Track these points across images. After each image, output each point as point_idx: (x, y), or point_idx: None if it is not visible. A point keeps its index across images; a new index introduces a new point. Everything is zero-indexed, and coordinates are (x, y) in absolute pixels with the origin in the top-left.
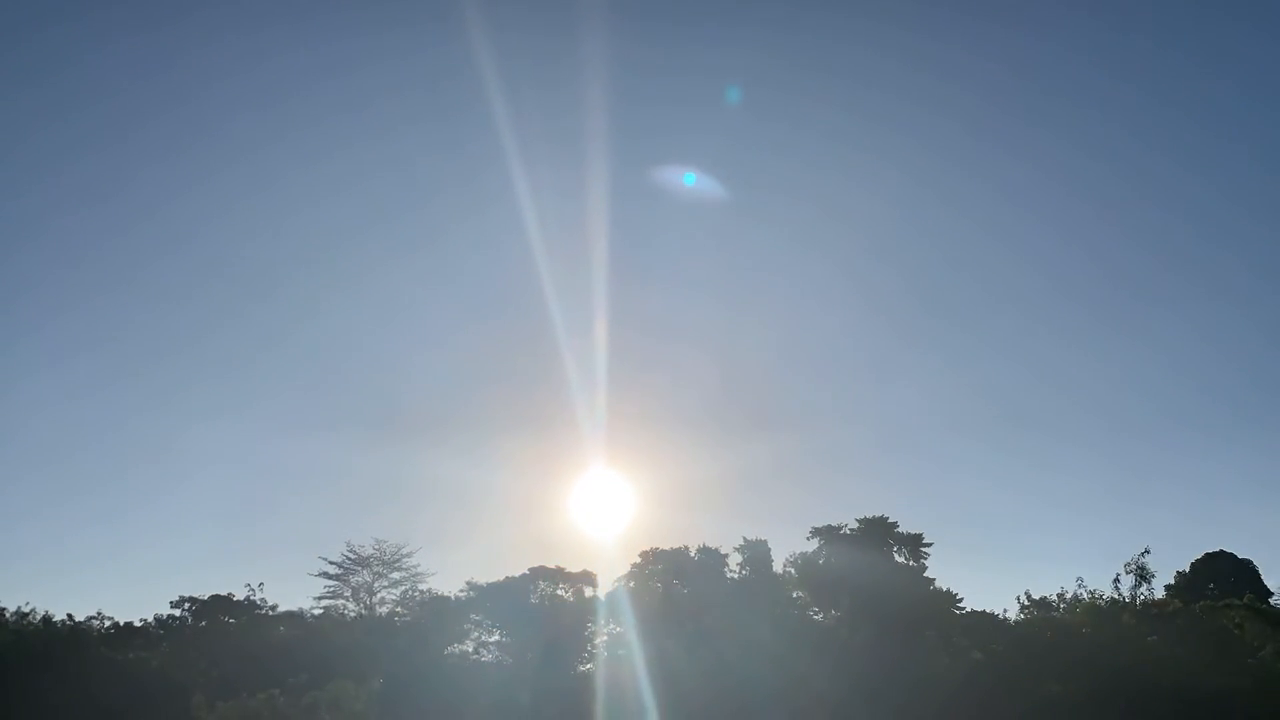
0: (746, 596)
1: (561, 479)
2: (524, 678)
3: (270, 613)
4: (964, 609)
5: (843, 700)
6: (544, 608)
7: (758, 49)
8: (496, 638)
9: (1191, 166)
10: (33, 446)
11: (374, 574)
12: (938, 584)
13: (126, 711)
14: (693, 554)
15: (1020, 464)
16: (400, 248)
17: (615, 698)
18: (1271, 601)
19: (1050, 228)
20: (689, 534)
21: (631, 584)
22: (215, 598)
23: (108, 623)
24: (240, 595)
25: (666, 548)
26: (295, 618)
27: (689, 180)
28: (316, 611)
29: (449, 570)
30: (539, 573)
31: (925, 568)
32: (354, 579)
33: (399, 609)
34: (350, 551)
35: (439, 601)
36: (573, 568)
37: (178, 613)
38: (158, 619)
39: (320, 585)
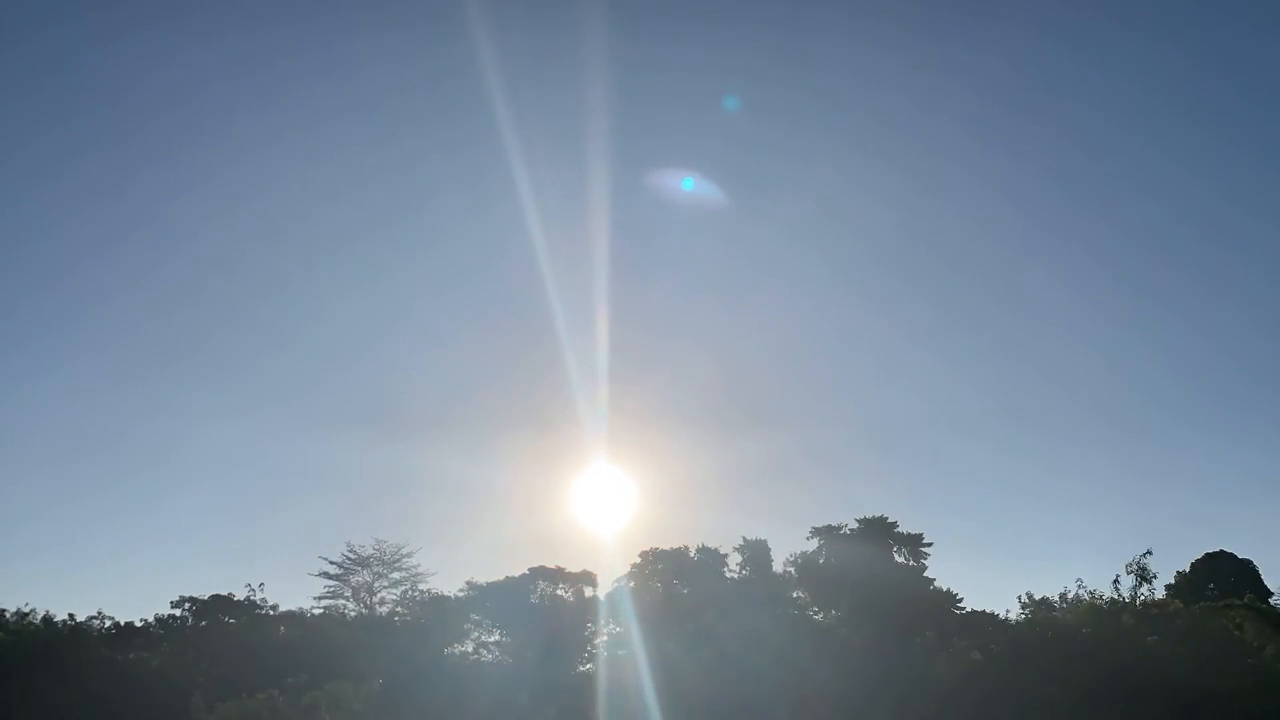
0: (746, 596)
1: (563, 477)
2: (524, 677)
3: (270, 612)
4: (963, 609)
5: (842, 698)
6: (544, 607)
7: (757, 49)
8: (496, 637)
9: (1191, 166)
10: (33, 447)
11: (374, 574)
12: (937, 584)
13: (126, 711)
14: (693, 554)
15: (1020, 464)
16: (401, 248)
17: (615, 698)
18: (1272, 602)
19: (1050, 227)
20: (689, 532)
21: (632, 584)
22: (215, 598)
23: (108, 623)
24: (240, 595)
25: (667, 548)
26: (295, 617)
27: (687, 185)
28: (316, 611)
29: (449, 570)
30: (539, 572)
31: (925, 567)
32: (354, 579)
33: (399, 609)
34: (350, 551)
35: (439, 601)
36: (573, 567)
37: (178, 613)
38: (158, 619)
39: (320, 585)
